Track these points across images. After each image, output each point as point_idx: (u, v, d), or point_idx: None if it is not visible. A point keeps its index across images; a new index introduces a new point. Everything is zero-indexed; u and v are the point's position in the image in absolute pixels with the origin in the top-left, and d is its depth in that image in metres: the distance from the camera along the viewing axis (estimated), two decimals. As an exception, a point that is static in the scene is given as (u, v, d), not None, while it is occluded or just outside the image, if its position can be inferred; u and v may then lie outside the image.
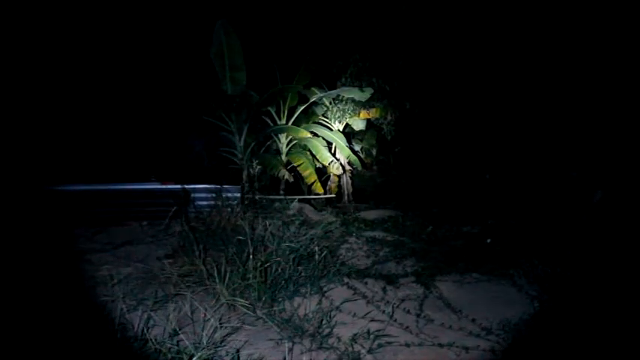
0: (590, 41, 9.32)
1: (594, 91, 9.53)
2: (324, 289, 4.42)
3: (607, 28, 9.02)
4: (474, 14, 10.30)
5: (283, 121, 11.28)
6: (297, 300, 4.08)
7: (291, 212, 8.25)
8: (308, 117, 12.12)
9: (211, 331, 3.11)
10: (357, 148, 13.73)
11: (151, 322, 3.28)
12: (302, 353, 3.19)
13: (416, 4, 10.34)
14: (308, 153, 11.38)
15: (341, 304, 4.09)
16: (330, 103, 12.21)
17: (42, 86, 8.80)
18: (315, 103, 11.73)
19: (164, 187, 7.58)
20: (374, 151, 14.14)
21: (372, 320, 3.83)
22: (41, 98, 8.78)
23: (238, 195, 7.95)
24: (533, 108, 10.59)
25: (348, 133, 13.04)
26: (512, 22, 10.06)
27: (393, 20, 10.65)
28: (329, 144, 11.73)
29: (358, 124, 13.18)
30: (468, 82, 11.29)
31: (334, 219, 8.63)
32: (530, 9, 9.79)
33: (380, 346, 3.39)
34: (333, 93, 11.13)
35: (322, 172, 12.28)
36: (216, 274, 3.88)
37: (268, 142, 11.54)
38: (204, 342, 2.98)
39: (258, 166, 10.54)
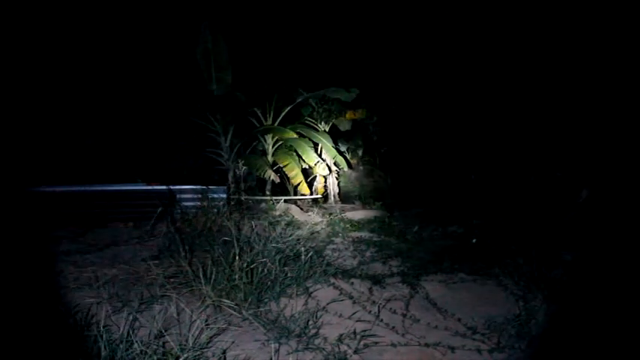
0: (573, 42, 9.43)
1: (578, 92, 9.64)
2: (311, 289, 4.42)
3: (588, 31, 9.14)
4: (457, 15, 10.38)
5: (269, 122, 11.26)
6: (284, 301, 4.08)
7: (277, 213, 8.26)
8: (294, 118, 12.12)
9: (197, 332, 3.10)
10: (343, 148, 13.75)
11: (137, 323, 3.26)
12: (288, 354, 3.19)
13: (402, 7, 10.41)
14: (294, 154, 11.38)
15: (327, 304, 4.10)
16: (317, 104, 12.22)
17: (23, 86, 8.71)
18: (301, 104, 11.73)
19: (150, 187, 7.53)
20: (360, 152, 14.16)
21: (358, 320, 3.84)
22: (23, 98, 8.69)
23: (224, 196, 7.93)
24: (519, 109, 10.69)
25: (335, 134, 13.04)
26: (493, 24, 10.16)
27: (379, 21, 10.71)
28: (315, 145, 11.74)
29: (344, 125, 13.20)
30: (454, 83, 11.37)
31: (320, 220, 8.65)
32: (510, 12, 9.90)
33: (366, 346, 3.40)
34: (320, 93, 11.15)
35: (308, 173, 12.28)
36: (202, 275, 3.86)
37: (254, 143, 11.51)
38: (191, 343, 2.96)
39: (244, 167, 10.51)
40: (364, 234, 7.70)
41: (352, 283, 4.80)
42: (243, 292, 3.86)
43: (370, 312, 4.06)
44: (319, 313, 3.88)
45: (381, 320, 3.88)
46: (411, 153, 13.50)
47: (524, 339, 3.58)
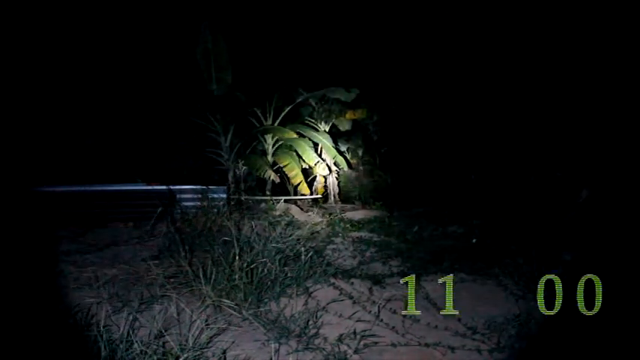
0: (573, 42, 9.43)
1: (578, 92, 9.64)
2: (311, 289, 4.42)
3: (587, 32, 9.15)
4: (457, 15, 10.38)
5: (269, 122, 11.26)
6: (284, 300, 4.08)
7: (277, 213, 8.25)
8: (294, 118, 12.10)
9: (197, 332, 3.10)
10: (343, 148, 13.73)
11: (137, 323, 3.26)
12: (288, 354, 3.19)
13: (402, 7, 10.41)
14: (294, 153, 11.37)
15: (327, 304, 4.09)
16: (316, 104, 12.21)
17: (23, 87, 8.70)
18: (301, 104, 11.73)
19: (150, 187, 7.53)
20: (360, 152, 14.14)
21: (358, 320, 3.83)
22: (23, 99, 8.68)
23: (224, 196, 7.93)
24: (518, 109, 10.68)
25: (335, 134, 13.03)
26: (493, 24, 10.16)
27: (378, 21, 10.71)
28: (315, 145, 11.73)
29: (344, 125, 13.20)
30: (453, 83, 11.36)
31: (320, 219, 8.65)
32: (510, 12, 9.90)
33: (366, 346, 3.40)
34: (319, 93, 11.14)
35: (308, 173, 12.27)
36: (202, 275, 3.86)
37: (254, 143, 11.49)
38: (191, 343, 2.96)
39: (244, 167, 10.51)
40: (364, 234, 7.70)
41: (352, 283, 4.79)
42: (243, 292, 3.86)
43: (370, 312, 4.05)
44: (319, 313, 3.87)
45: (381, 320, 3.87)
46: (411, 153, 13.49)
47: (524, 339, 3.58)
